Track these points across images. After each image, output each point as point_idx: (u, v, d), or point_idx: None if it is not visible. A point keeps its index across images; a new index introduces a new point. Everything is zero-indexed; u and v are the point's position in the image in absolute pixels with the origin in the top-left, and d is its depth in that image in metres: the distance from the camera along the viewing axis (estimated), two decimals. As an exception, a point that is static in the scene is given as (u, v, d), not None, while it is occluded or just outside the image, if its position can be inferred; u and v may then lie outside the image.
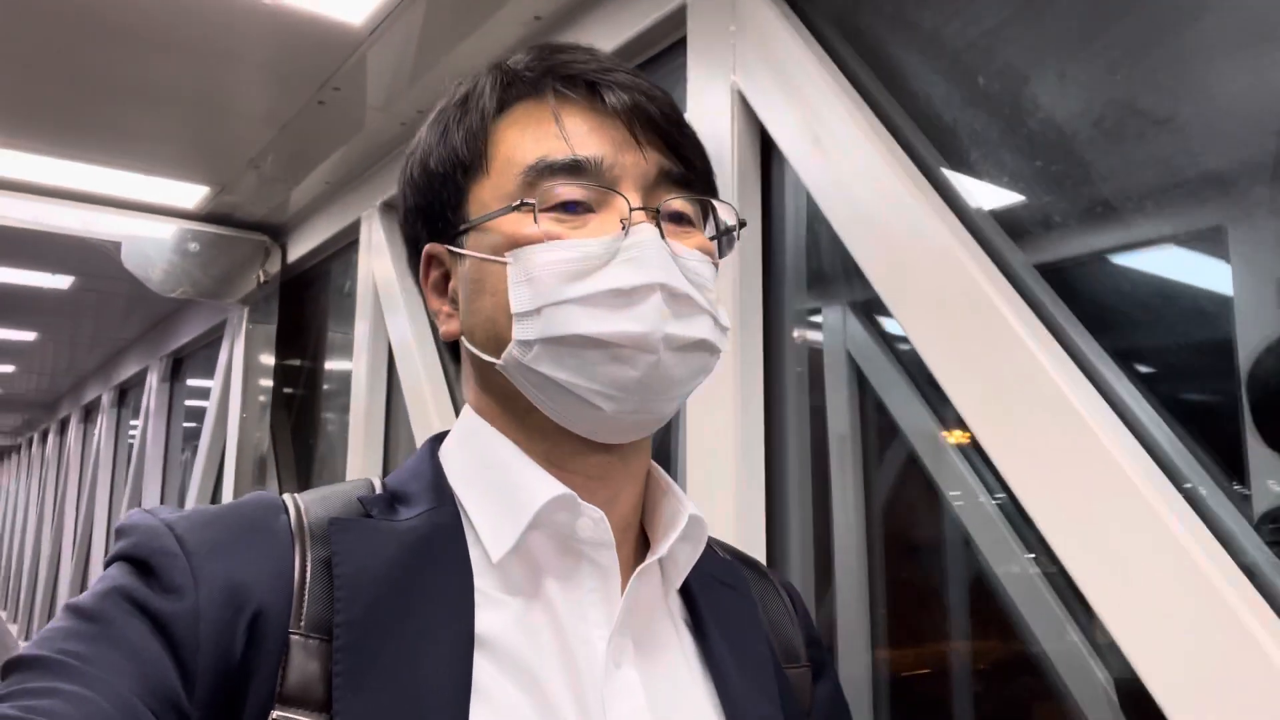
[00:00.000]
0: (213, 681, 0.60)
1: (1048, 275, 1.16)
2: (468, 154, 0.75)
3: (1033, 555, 1.26)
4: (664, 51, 1.64)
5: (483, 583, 0.69)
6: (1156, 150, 1.11)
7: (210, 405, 3.39)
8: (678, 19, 1.54)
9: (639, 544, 0.80)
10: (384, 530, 0.69)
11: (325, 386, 3.17)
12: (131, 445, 4.76)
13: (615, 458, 0.75)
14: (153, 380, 4.31)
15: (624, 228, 0.70)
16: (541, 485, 0.71)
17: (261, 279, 3.09)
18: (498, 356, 0.72)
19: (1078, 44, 1.17)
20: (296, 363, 3.30)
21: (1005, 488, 1.10)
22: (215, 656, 0.60)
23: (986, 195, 1.24)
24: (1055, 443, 1.03)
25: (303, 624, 0.63)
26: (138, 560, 0.62)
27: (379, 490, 0.75)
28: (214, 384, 3.36)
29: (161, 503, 4.27)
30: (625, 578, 0.73)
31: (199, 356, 4.13)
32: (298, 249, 3.09)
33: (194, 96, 2.30)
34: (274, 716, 0.60)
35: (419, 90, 2.19)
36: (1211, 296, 1.10)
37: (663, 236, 0.71)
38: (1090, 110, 1.16)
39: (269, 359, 3.15)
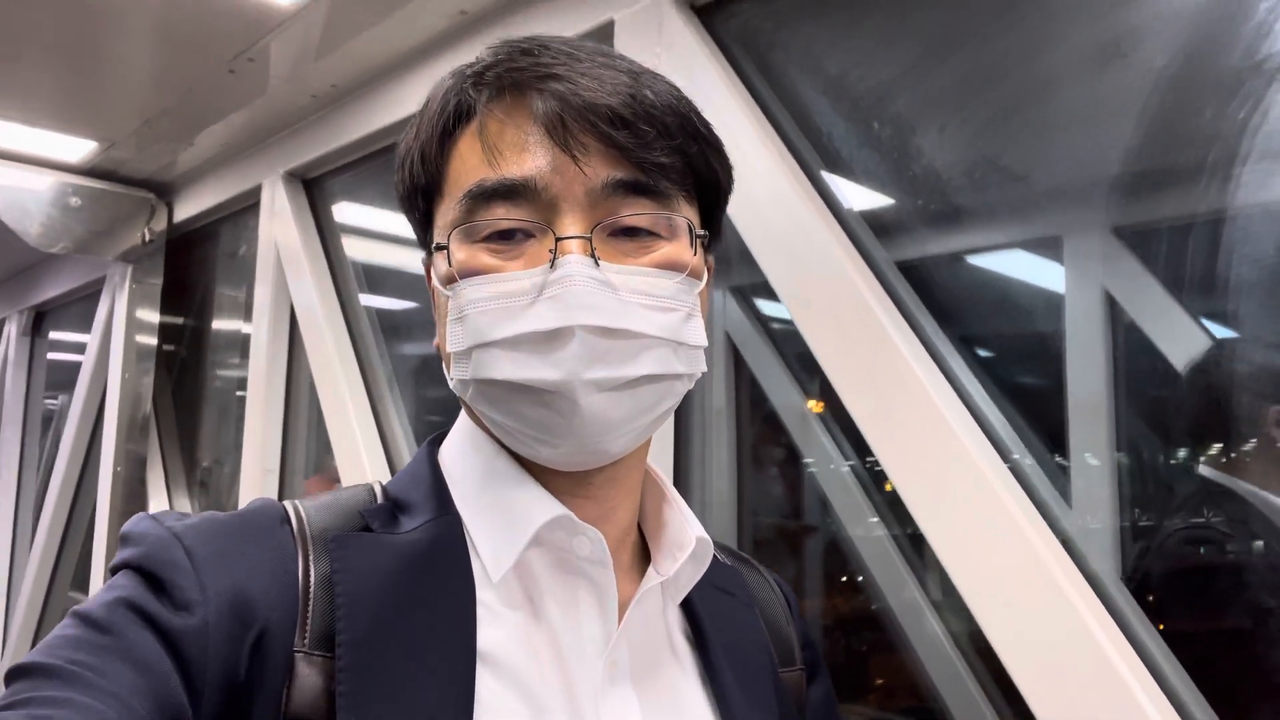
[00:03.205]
0: (218, 699, 0.60)
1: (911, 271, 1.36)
2: (424, 177, 0.72)
3: (876, 519, 1.46)
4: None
5: (484, 595, 0.69)
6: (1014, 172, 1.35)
7: (86, 362, 3.31)
8: (605, 33, 1.64)
9: (637, 551, 0.80)
10: (385, 545, 0.68)
11: (213, 348, 3.14)
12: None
13: (602, 476, 0.73)
14: (11, 331, 4.14)
15: (551, 259, 0.65)
16: (539, 506, 0.70)
17: (146, 237, 3.04)
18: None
19: (956, 100, 1.38)
20: (181, 322, 3.26)
21: (860, 450, 1.28)
22: (222, 674, 0.60)
23: (892, 229, 1.44)
24: (902, 409, 1.22)
25: (306, 640, 0.63)
26: (147, 572, 0.62)
27: (380, 498, 0.74)
28: (91, 341, 3.27)
29: (23, 453, 4.16)
30: (623, 586, 0.73)
31: (65, 312, 3.98)
32: (186, 209, 3.05)
33: (83, 53, 2.25)
34: None
35: (332, 63, 2.20)
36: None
37: (596, 263, 0.65)
38: (961, 160, 1.37)
39: (153, 318, 3.10)
